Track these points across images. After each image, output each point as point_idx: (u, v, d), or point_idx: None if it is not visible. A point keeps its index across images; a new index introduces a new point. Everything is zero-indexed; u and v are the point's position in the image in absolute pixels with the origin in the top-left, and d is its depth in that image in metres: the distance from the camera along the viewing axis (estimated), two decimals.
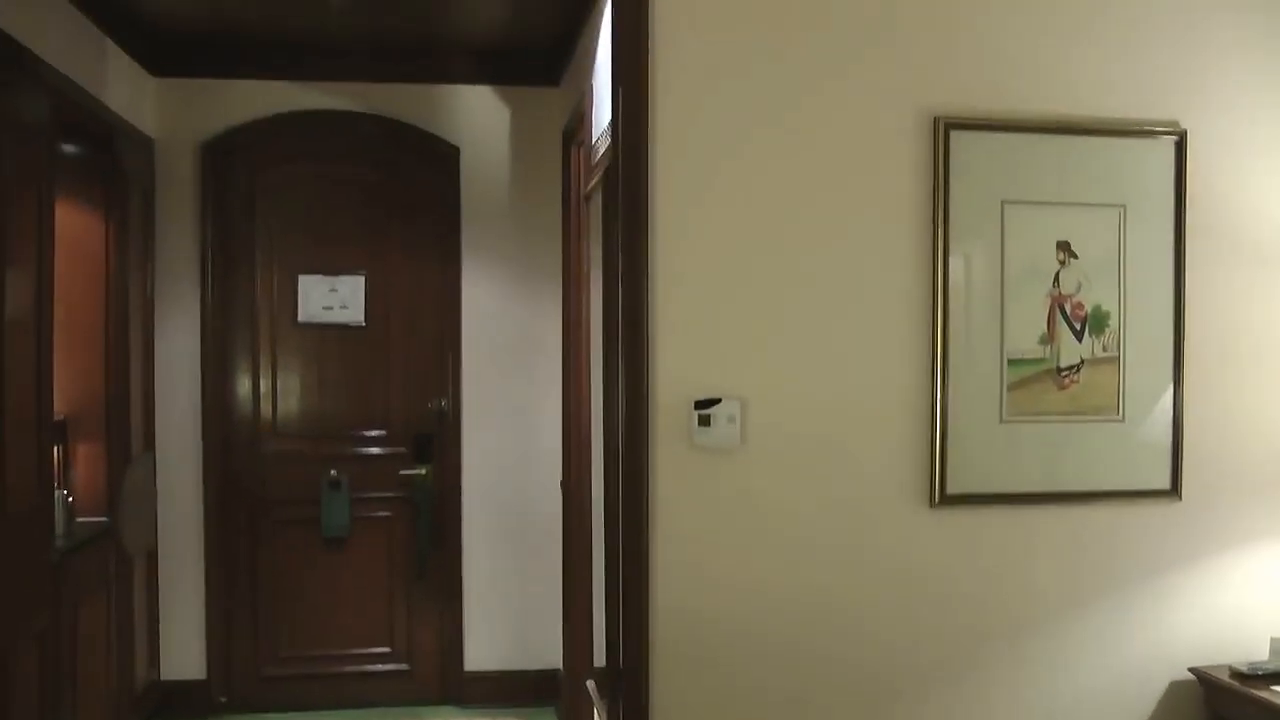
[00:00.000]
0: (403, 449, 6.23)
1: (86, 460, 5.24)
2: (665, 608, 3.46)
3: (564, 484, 5.68)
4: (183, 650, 6.13)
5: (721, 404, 3.42)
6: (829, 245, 3.52)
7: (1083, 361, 3.66)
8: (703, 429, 3.42)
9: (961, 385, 3.57)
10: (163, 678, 6.06)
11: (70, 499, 4.96)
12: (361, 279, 6.17)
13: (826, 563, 3.54)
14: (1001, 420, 3.60)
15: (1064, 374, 3.65)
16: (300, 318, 6.16)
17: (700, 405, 3.41)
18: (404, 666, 6.30)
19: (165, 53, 5.95)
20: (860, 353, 3.53)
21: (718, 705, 3.52)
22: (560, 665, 5.94)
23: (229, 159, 6.12)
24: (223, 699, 6.16)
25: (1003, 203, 3.60)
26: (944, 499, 3.57)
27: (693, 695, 3.51)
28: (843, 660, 3.58)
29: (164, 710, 6.03)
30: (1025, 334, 3.62)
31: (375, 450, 6.23)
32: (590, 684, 4.58)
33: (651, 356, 3.42)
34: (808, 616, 3.54)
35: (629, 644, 3.48)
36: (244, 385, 6.19)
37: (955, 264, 3.57)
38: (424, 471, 6.19)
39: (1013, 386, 3.61)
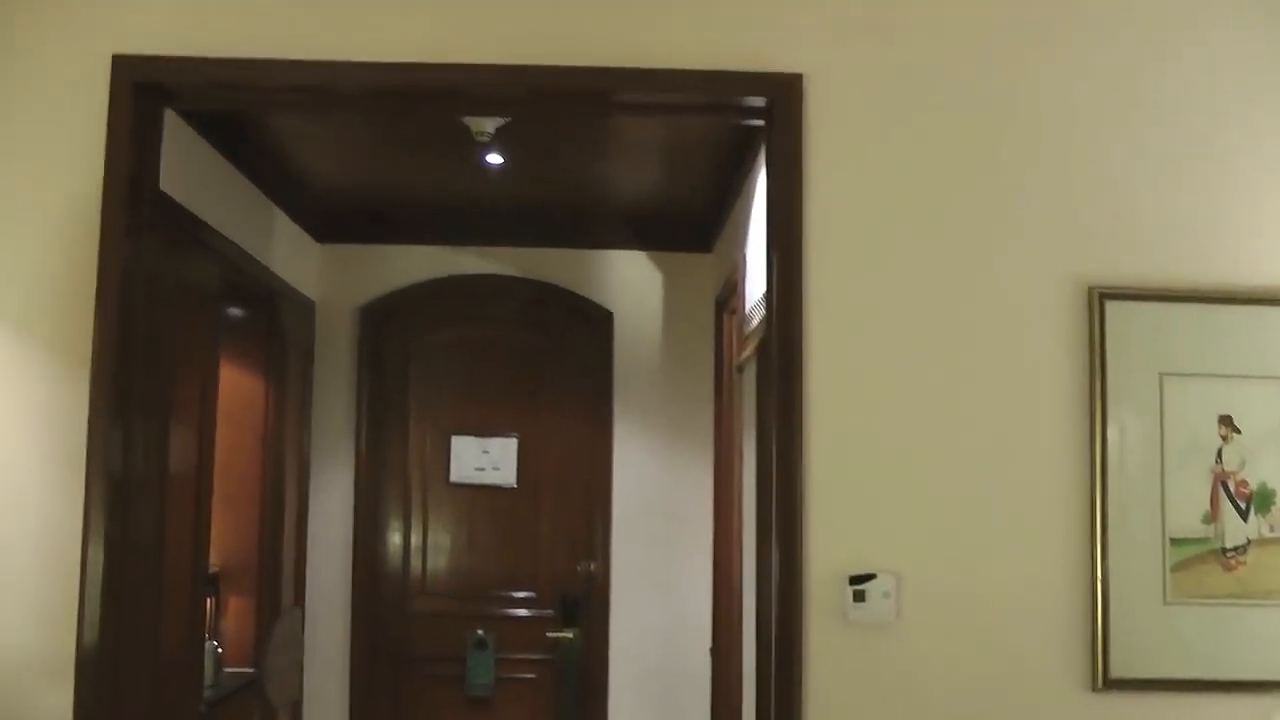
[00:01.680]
0: (550, 611, 6.26)
1: (237, 612, 5.36)
2: None
3: (713, 651, 5.62)
4: None
5: (876, 579, 3.37)
6: (984, 416, 3.46)
7: (1249, 542, 3.50)
8: (857, 604, 3.36)
9: (1122, 564, 3.44)
10: None
11: (219, 649, 5.06)
12: (514, 441, 6.26)
13: None
14: (1166, 602, 3.45)
15: (1230, 555, 3.49)
16: (452, 478, 6.27)
17: (855, 580, 3.37)
18: None
19: (329, 220, 6.18)
20: (1018, 527, 3.44)
21: None
22: None
23: (386, 321, 6.30)
24: None
25: (1160, 374, 3.50)
26: (1107, 683, 3.41)
27: None
28: None
29: None
30: (1187, 512, 3.48)
31: (522, 611, 6.27)
32: None
33: (805, 529, 3.38)
34: None
35: None
36: (394, 542, 6.28)
37: (1112, 438, 3.46)
38: (570, 634, 6.18)
39: (1176, 567, 3.46)
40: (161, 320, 3.88)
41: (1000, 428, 3.47)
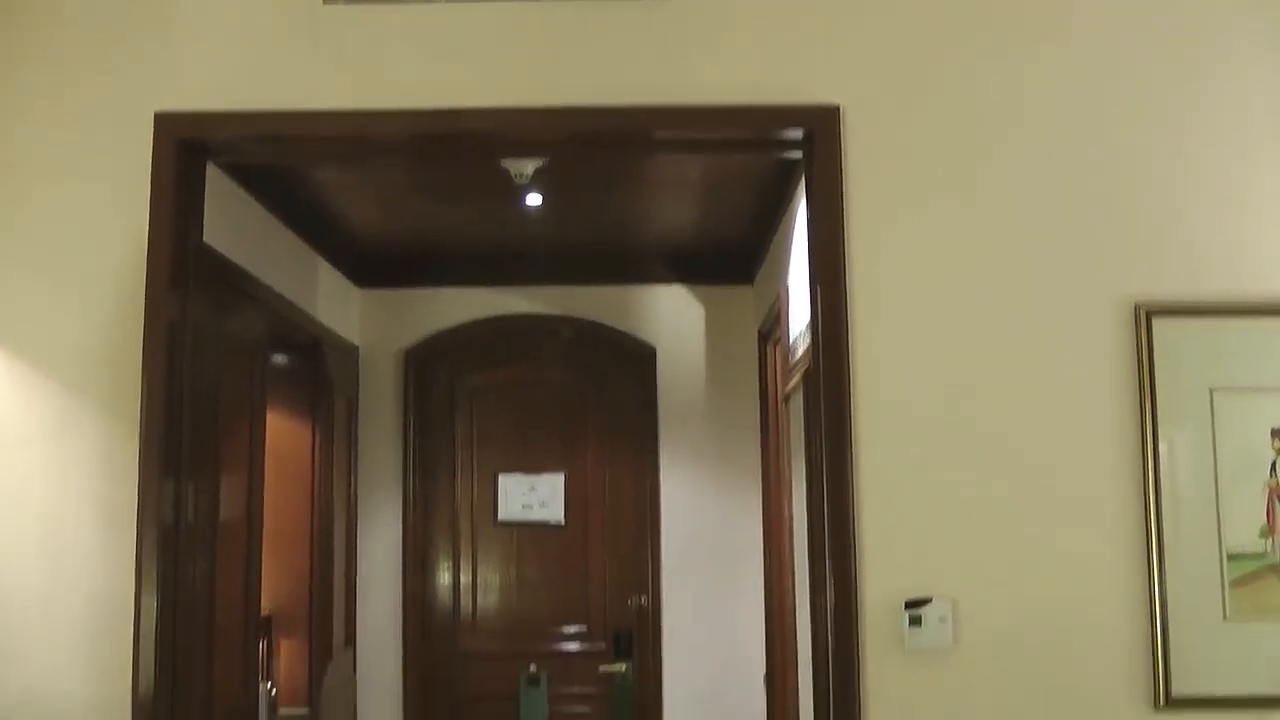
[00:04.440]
0: (602, 645, 6.26)
1: (289, 654, 5.42)
2: None
3: (768, 680, 5.60)
4: None
5: (932, 603, 3.35)
6: (1034, 437, 3.43)
7: None
8: (914, 630, 3.35)
9: (1180, 582, 3.39)
10: None
11: (274, 691, 5.11)
12: (561, 478, 6.28)
13: None
14: (1225, 618, 3.42)
15: None
16: (500, 516, 6.28)
17: (911, 605, 3.36)
18: None
19: (371, 265, 6.22)
20: (1072, 548, 3.41)
21: None
22: None
23: (430, 364, 6.33)
24: None
25: (1211, 390, 3.45)
26: (1169, 702, 3.37)
27: None
28: None
29: None
30: (1244, 527, 3.43)
31: (574, 647, 6.28)
32: None
33: (858, 556, 3.38)
34: None
35: None
36: (444, 583, 6.30)
37: (1164, 455, 3.42)
38: (623, 668, 6.18)
39: (1235, 583, 3.41)
40: (208, 371, 3.93)
41: (1051, 448, 3.44)
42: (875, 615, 3.37)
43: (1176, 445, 3.45)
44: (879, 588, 3.38)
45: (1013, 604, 3.40)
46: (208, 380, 3.92)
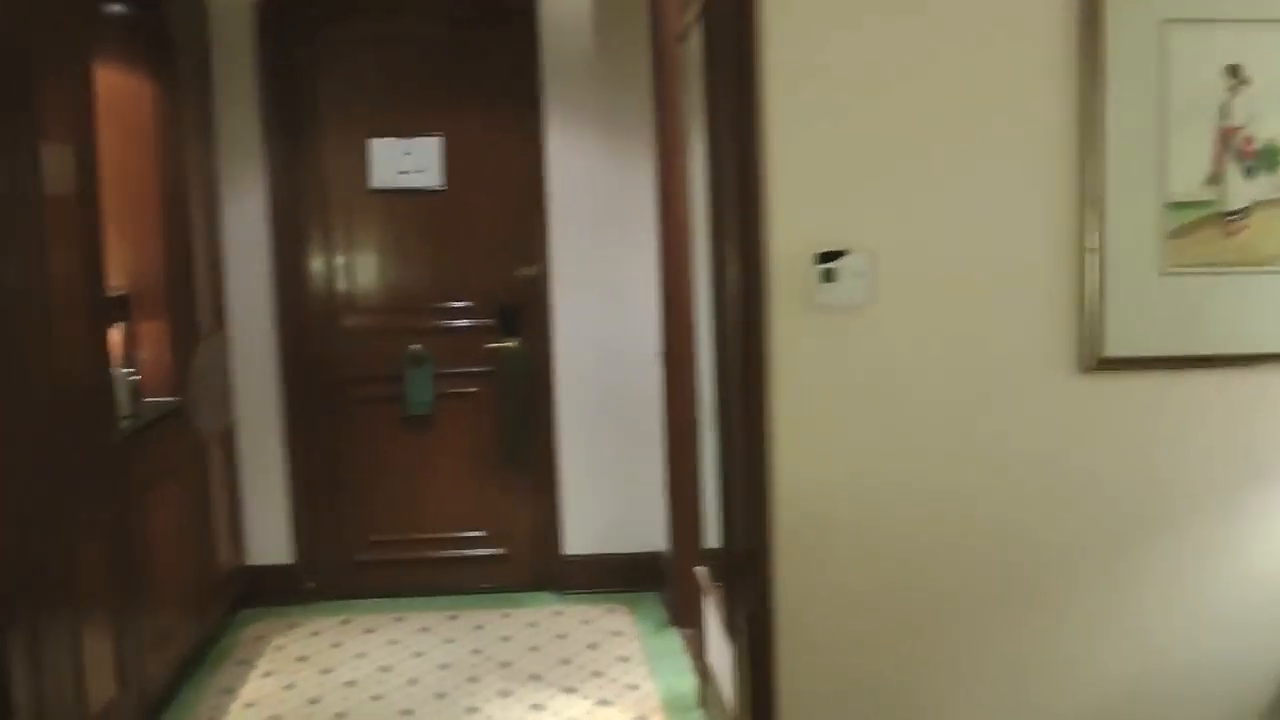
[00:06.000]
0: (489, 321, 6.01)
1: (151, 338, 5.08)
2: (788, 484, 3.18)
3: (664, 355, 5.37)
4: (268, 535, 6.03)
5: (848, 257, 3.08)
6: (962, 77, 3.14)
7: (1253, 205, 3.22)
8: (826, 285, 3.09)
9: (1116, 233, 3.17)
10: (248, 563, 5.97)
11: (137, 378, 4.82)
12: (438, 140, 5.89)
13: (966, 434, 3.22)
14: (1162, 273, 3.20)
15: (1231, 219, 3.21)
16: (374, 184, 5.92)
17: (824, 258, 3.07)
18: (500, 551, 6.16)
19: None
20: (1003, 196, 3.17)
21: (845, 588, 3.25)
22: (664, 548, 5.73)
23: (287, 19, 5.84)
24: (311, 584, 6.05)
25: (1161, 22, 3.14)
26: (1099, 362, 3.20)
27: (819, 579, 3.23)
28: (981, 542, 3.26)
29: (252, 596, 5.97)
30: (1188, 174, 3.19)
31: (459, 323, 6.02)
32: (700, 570, 4.30)
33: (766, 207, 3.09)
34: (944, 494, 3.23)
35: (749, 526, 3.21)
36: (317, 258, 6.00)
37: (1107, 96, 3.14)
38: (512, 344, 5.95)
39: (1174, 234, 3.20)
40: (13, 19, 3.47)
41: (983, 86, 3.17)
42: (784, 269, 3.14)
43: (1121, 85, 3.17)
44: (789, 239, 3.14)
45: (936, 259, 3.19)
46: (13, 28, 3.46)
